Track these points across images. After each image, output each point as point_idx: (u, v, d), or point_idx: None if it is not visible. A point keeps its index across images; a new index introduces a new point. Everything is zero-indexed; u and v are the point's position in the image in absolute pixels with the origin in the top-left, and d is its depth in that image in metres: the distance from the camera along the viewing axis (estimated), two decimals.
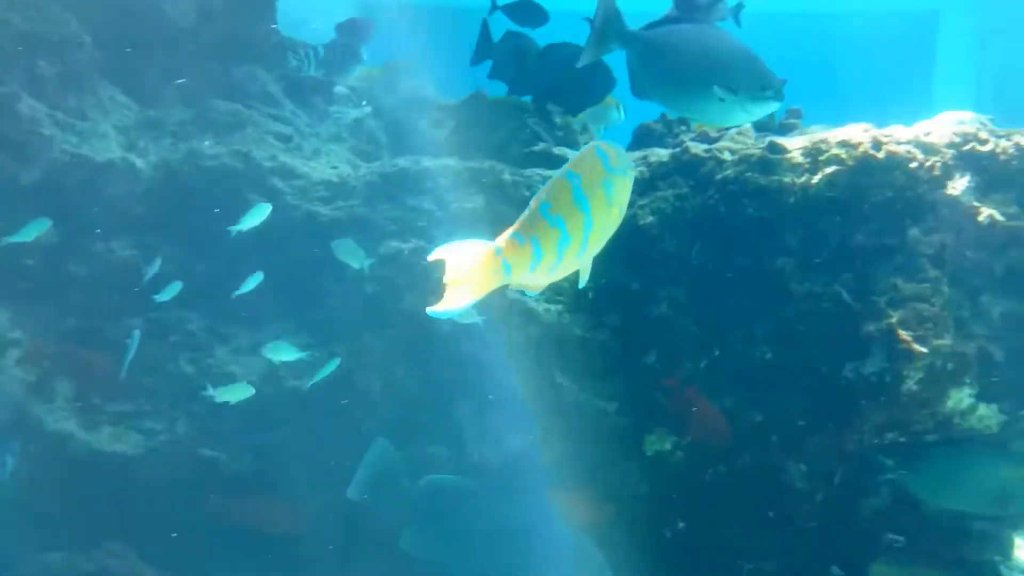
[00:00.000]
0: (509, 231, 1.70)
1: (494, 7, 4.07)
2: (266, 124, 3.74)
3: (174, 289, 3.31)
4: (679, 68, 3.14)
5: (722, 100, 3.03)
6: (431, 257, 1.61)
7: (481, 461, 3.46)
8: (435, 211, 3.36)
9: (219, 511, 3.39)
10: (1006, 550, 4.27)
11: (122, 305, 3.44)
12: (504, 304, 3.43)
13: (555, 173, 3.19)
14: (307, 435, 3.25)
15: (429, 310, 1.57)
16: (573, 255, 1.79)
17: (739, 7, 3.56)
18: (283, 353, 3.33)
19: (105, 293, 3.43)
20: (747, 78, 3.03)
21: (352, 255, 3.19)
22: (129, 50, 3.99)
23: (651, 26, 3.26)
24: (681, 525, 3.72)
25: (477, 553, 3.30)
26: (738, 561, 3.73)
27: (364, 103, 4.36)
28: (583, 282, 1.92)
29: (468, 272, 1.61)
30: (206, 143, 3.52)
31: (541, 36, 3.96)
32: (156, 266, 3.33)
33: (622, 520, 3.67)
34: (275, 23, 4.38)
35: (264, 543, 3.37)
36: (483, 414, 3.47)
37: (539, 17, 4.12)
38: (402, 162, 3.45)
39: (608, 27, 3.19)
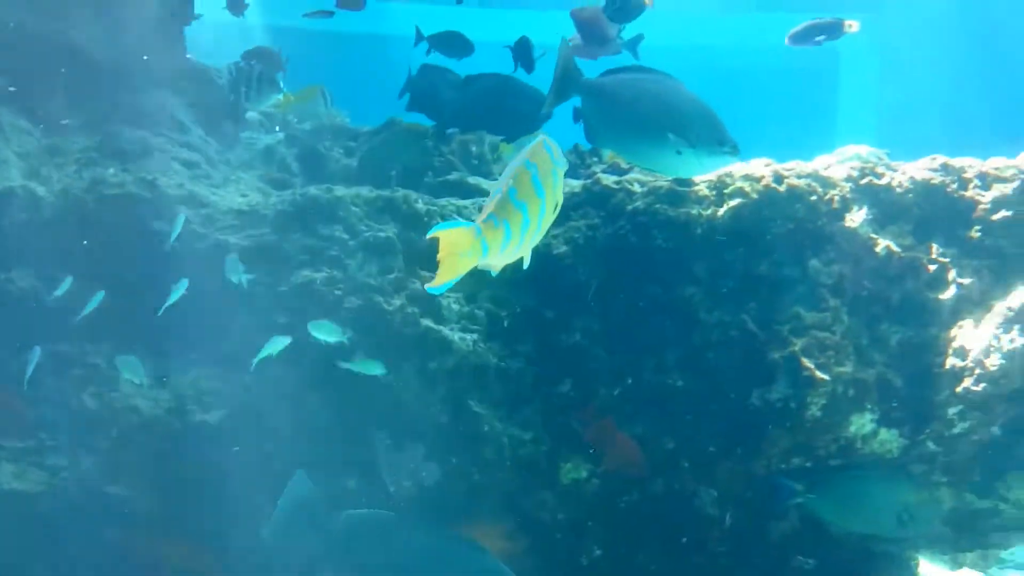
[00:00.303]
0: (484, 214, 1.86)
1: (419, 38, 4.10)
2: (174, 151, 3.67)
3: (96, 299, 3.19)
4: (636, 119, 3.16)
5: (678, 153, 3.08)
6: (429, 235, 1.78)
7: (396, 493, 3.42)
8: (348, 240, 3.34)
9: (125, 550, 3.28)
10: (910, 570, 4.42)
11: (22, 338, 3.31)
12: (418, 334, 3.41)
13: (468, 201, 3.25)
14: (216, 470, 3.17)
15: (427, 286, 1.81)
16: (530, 237, 1.98)
17: (637, 40, 3.65)
18: (325, 332, 3.22)
19: (3, 326, 3.30)
20: (704, 132, 3.07)
21: (233, 269, 3.15)
22: (33, 76, 3.88)
23: (608, 73, 3.30)
24: (597, 552, 3.74)
25: None
26: None
27: (277, 129, 4.32)
28: (527, 264, 2.10)
29: (455, 250, 1.78)
30: (111, 171, 3.44)
31: (465, 67, 3.99)
32: (67, 283, 3.21)
33: (539, 549, 3.67)
34: (185, 50, 4.32)
35: None
36: (398, 445, 3.43)
37: (464, 48, 4.16)
38: (314, 190, 3.41)
39: (567, 78, 3.22)
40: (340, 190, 3.43)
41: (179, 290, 3.11)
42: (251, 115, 4.45)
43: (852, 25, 4.03)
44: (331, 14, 4.24)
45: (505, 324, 3.67)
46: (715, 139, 3.05)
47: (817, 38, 4.09)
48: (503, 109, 3.71)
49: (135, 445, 3.22)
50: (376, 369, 3.25)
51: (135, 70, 4.06)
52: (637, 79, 3.20)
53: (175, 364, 3.26)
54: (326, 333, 3.22)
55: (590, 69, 3.27)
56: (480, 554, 3.41)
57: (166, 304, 3.11)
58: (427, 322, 3.48)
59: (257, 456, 3.15)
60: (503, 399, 3.60)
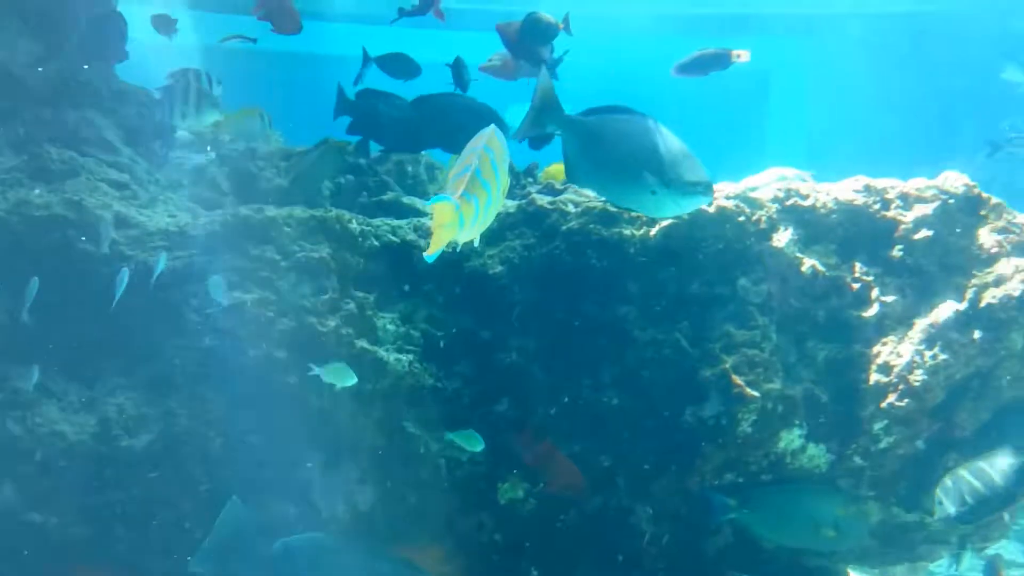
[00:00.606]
0: (459, 190, 2.05)
1: (367, 60, 4.09)
2: (101, 171, 3.60)
3: (33, 288, 3.09)
4: (614, 158, 3.21)
5: (654, 193, 3.12)
6: (428, 204, 2.07)
7: (331, 516, 3.38)
8: (279, 261, 3.31)
9: None
10: None
11: None
12: (352, 355, 3.39)
13: (403, 221, 3.29)
14: (143, 497, 3.10)
15: (426, 253, 2.04)
16: (490, 215, 2.20)
17: (556, 62, 3.69)
18: (341, 376, 3.21)
19: None
20: (677, 173, 3.12)
21: (217, 290, 3.11)
22: None
23: (590, 112, 3.35)
24: (535, 573, 3.75)
25: None
26: None
27: (208, 149, 4.27)
28: (476, 242, 2.33)
29: (443, 221, 2.00)
30: (36, 191, 3.36)
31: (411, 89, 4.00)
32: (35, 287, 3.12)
33: (476, 571, 3.66)
34: (114, 70, 4.25)
35: None
36: (332, 468, 3.40)
37: (411, 69, 4.17)
38: (244, 211, 3.38)
39: (545, 108, 3.26)
40: (272, 210, 3.40)
41: (123, 280, 3.04)
42: (182, 135, 4.39)
43: (741, 55, 4.08)
44: (254, 40, 4.21)
45: (441, 345, 3.67)
46: (689, 180, 3.12)
47: (705, 69, 4.12)
48: (457, 126, 3.72)
49: (59, 471, 3.13)
50: (348, 379, 3.24)
51: (62, 90, 3.98)
52: (618, 120, 3.25)
53: (101, 388, 3.18)
54: (340, 379, 3.22)
55: (510, 89, 3.31)
56: (417, 572, 3.39)
57: (116, 297, 3.03)
58: (362, 343, 3.46)
59: (185, 481, 3.09)
60: (440, 420, 3.59)
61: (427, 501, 3.51)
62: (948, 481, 3.45)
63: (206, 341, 3.16)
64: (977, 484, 3.40)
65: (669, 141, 3.19)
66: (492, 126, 2.27)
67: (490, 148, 2.17)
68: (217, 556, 3.13)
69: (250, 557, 3.16)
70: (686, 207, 3.24)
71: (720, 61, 4.10)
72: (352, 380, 3.24)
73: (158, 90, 3.96)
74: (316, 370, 3.20)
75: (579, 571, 3.75)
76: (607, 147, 3.23)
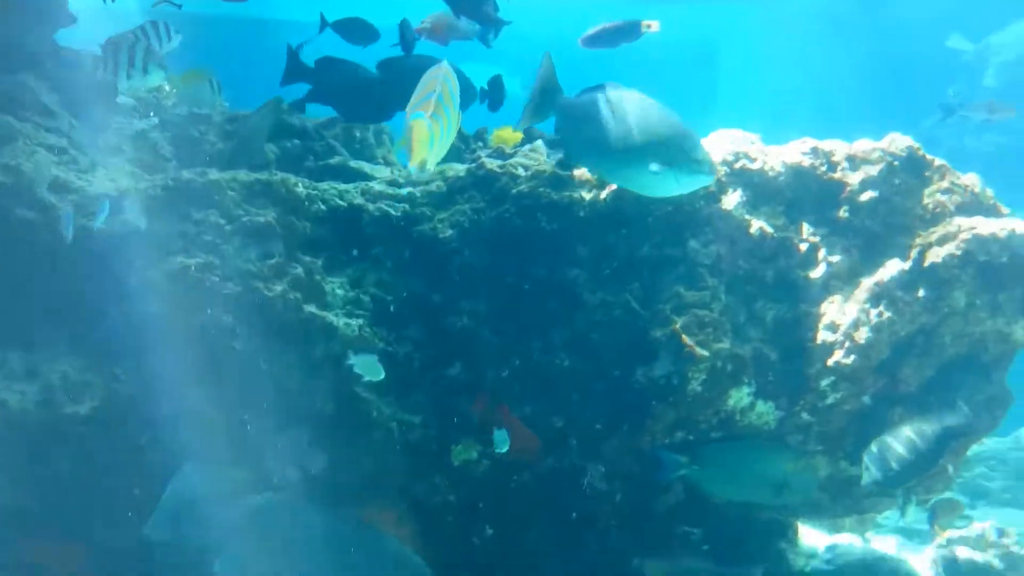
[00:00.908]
0: (428, 111, 2.28)
1: (324, 25, 4.00)
2: (39, 136, 3.50)
3: None
4: (613, 139, 3.16)
5: (655, 173, 3.08)
6: (410, 120, 2.25)
7: (283, 481, 3.36)
8: (224, 225, 3.25)
9: None
10: (791, 537, 4.60)
11: None
12: (301, 320, 3.36)
13: (351, 185, 3.30)
14: (90, 465, 3.05)
15: (410, 164, 2.25)
16: (447, 143, 2.40)
17: (496, 25, 3.61)
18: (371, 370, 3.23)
19: None
20: (681, 152, 3.08)
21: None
22: None
23: (586, 91, 3.26)
24: (489, 532, 3.77)
25: (299, 567, 3.17)
26: (544, 562, 3.82)
27: (151, 114, 4.17)
28: (431, 168, 2.43)
29: (421, 136, 2.23)
30: None
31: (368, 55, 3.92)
32: None
33: (431, 532, 3.67)
34: (54, 34, 4.12)
35: None
36: (283, 433, 3.37)
37: (369, 35, 4.08)
38: (187, 174, 3.31)
39: (547, 93, 3.22)
40: (215, 174, 3.34)
41: (70, 220, 2.97)
42: (123, 100, 4.27)
43: (651, 25, 4.02)
44: (179, 6, 4.08)
45: (391, 309, 3.65)
46: (693, 159, 3.09)
47: (615, 41, 4.04)
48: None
49: (2, 441, 3.07)
50: (377, 374, 3.30)
51: None
52: (612, 99, 3.20)
53: (43, 355, 3.12)
54: (371, 372, 3.24)
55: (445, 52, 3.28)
56: (380, 536, 3.38)
57: (67, 235, 2.96)
58: (310, 308, 3.43)
59: (132, 448, 3.05)
60: (391, 384, 3.57)
61: (380, 464, 3.50)
62: (874, 448, 3.54)
63: (150, 306, 3.11)
64: (901, 450, 3.49)
65: (669, 119, 3.15)
66: (444, 62, 2.46)
67: (447, 79, 2.39)
68: (172, 521, 3.09)
69: (205, 521, 3.12)
70: (689, 186, 3.22)
71: (630, 32, 4.05)
72: (380, 375, 3.29)
73: (101, 46, 3.84)
74: (352, 359, 3.25)
75: (533, 530, 3.78)
76: (605, 128, 3.18)
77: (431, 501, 3.65)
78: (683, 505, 3.94)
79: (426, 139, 2.21)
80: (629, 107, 3.19)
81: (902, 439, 3.48)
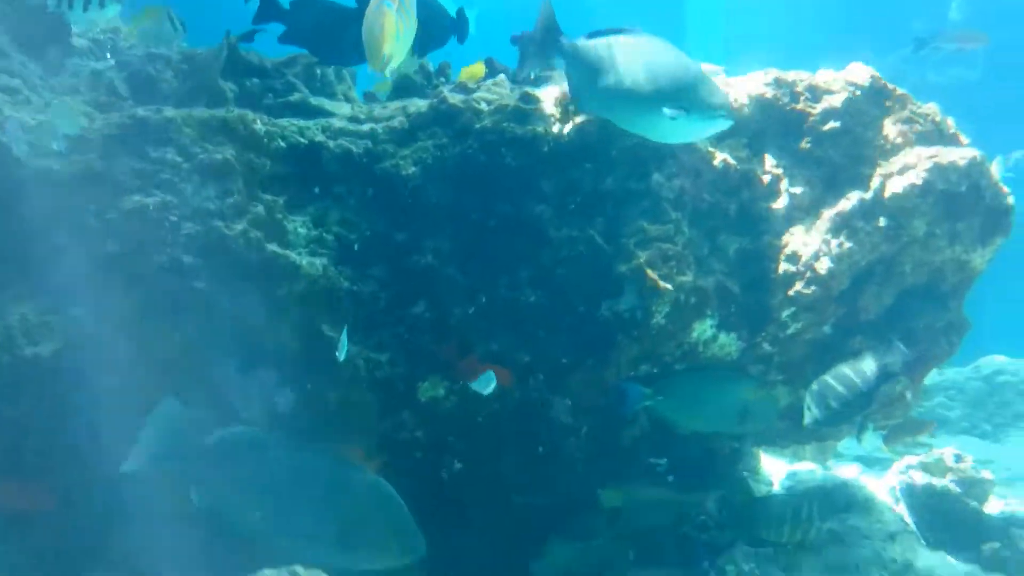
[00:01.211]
0: (394, 5, 2.37)
1: None
2: None
3: None
4: (626, 86, 3.09)
5: (673, 119, 3.02)
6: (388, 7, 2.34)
7: (250, 419, 3.37)
8: (181, 163, 3.20)
9: None
10: (752, 465, 4.71)
11: None
12: (263, 259, 3.33)
13: (311, 122, 3.32)
14: (51, 406, 3.04)
15: (372, 65, 2.42)
16: (406, 44, 2.52)
17: None
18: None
19: None
20: (698, 96, 3.02)
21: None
22: None
23: (593, 35, 3.19)
24: (458, 466, 3.81)
25: (272, 501, 3.19)
26: (512, 496, 3.89)
27: (108, 55, 4.07)
28: (392, 71, 2.60)
29: (392, 31, 2.35)
30: None
31: None
32: None
33: (399, 467, 3.71)
34: None
35: (17, 522, 3.13)
36: (249, 372, 3.38)
37: None
38: (142, 111, 3.25)
39: (548, 39, 3.11)
40: (170, 111, 3.27)
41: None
42: (79, 42, 4.17)
43: None
44: None
45: (355, 248, 3.63)
46: (710, 104, 3.04)
47: None
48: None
49: None
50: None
51: None
52: (624, 43, 3.12)
53: (1, 298, 3.08)
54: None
55: None
56: (357, 469, 3.40)
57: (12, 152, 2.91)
58: (272, 247, 3.40)
59: (95, 389, 3.04)
60: (357, 323, 3.58)
61: (347, 402, 3.52)
62: (815, 387, 3.62)
63: (109, 246, 3.07)
64: (840, 389, 3.58)
65: (683, 63, 3.08)
66: None
67: None
68: (151, 456, 3.08)
69: (184, 455, 3.11)
70: (706, 131, 3.19)
71: None
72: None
73: None
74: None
75: (501, 463, 3.83)
76: (618, 73, 3.12)
77: (399, 437, 3.68)
78: (647, 437, 4.01)
79: (394, 32, 2.17)
80: (641, 52, 3.15)
81: (841, 378, 3.57)
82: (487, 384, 3.54)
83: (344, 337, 3.28)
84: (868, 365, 3.59)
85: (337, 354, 3.27)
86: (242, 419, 3.35)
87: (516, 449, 3.85)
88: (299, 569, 2.11)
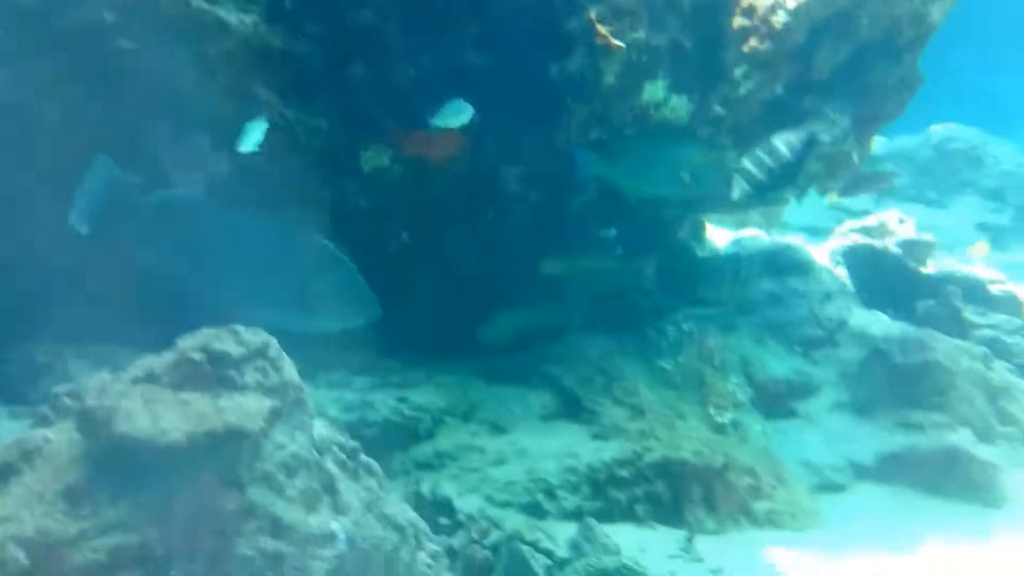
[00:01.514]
0: None
1: None
2: None
3: None
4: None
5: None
6: None
7: (186, 185, 3.24)
8: None
9: None
10: (698, 233, 4.75)
11: None
12: (189, 15, 3.09)
13: None
14: None
15: None
16: None
17: None
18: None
19: None
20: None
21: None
22: None
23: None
24: (405, 236, 3.76)
25: (219, 262, 3.09)
26: (459, 266, 3.87)
27: None
28: None
29: None
30: None
31: None
32: None
33: (344, 237, 3.64)
34: None
35: None
36: (180, 138, 3.22)
37: None
38: None
39: None
40: None
41: None
42: None
43: None
44: None
45: (287, 4, 3.39)
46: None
47: None
48: None
49: None
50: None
51: None
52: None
53: None
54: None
55: None
56: (305, 231, 3.30)
57: None
58: (199, 3, 3.15)
59: (24, 155, 2.88)
60: (293, 86, 3.39)
61: (285, 169, 3.39)
62: (744, 162, 3.58)
63: (25, 2, 2.81)
64: (768, 160, 3.54)
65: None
66: None
67: None
68: (93, 211, 2.93)
69: (124, 215, 2.97)
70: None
71: None
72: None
73: None
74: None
75: (449, 231, 3.79)
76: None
77: (340, 206, 3.59)
78: (596, 204, 3.99)
79: None
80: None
81: (769, 149, 3.53)
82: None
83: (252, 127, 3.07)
84: (792, 136, 3.55)
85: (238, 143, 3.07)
86: (177, 185, 3.23)
87: (464, 216, 3.81)
88: (239, 328, 2.06)
